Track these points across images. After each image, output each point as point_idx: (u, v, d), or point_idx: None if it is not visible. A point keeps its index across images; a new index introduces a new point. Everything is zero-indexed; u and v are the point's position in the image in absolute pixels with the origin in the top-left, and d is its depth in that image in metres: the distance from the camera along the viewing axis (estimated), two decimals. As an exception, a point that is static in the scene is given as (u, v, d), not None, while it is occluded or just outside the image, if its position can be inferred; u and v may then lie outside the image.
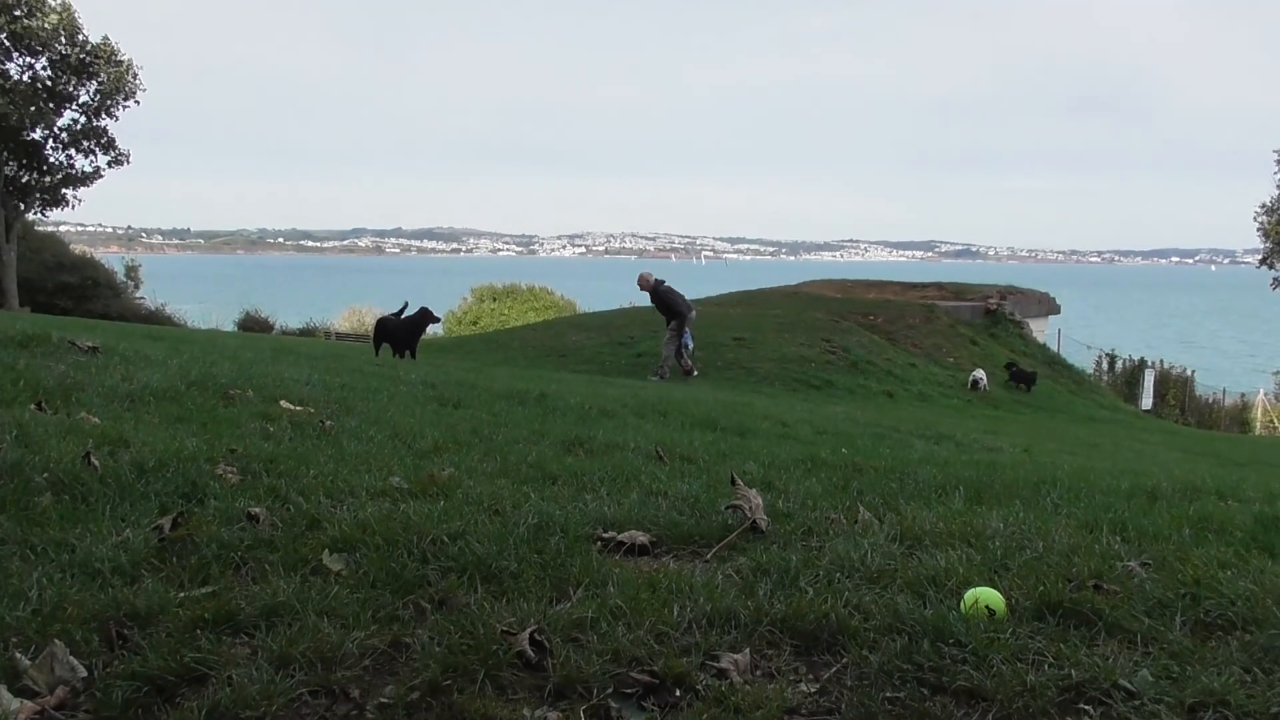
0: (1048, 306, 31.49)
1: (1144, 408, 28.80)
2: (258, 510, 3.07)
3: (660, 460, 4.78)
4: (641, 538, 3.16)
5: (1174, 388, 31.36)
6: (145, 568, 2.64)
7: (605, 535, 3.14)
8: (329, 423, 4.97)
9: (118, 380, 5.33)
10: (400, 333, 15.02)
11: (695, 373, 17.60)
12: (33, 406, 4.53)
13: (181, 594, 2.48)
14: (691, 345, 17.81)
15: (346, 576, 2.61)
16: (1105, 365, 32.02)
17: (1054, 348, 29.15)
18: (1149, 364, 31.89)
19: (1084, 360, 30.58)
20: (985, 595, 2.46)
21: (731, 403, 11.62)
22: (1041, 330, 29.78)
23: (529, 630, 2.25)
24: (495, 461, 4.31)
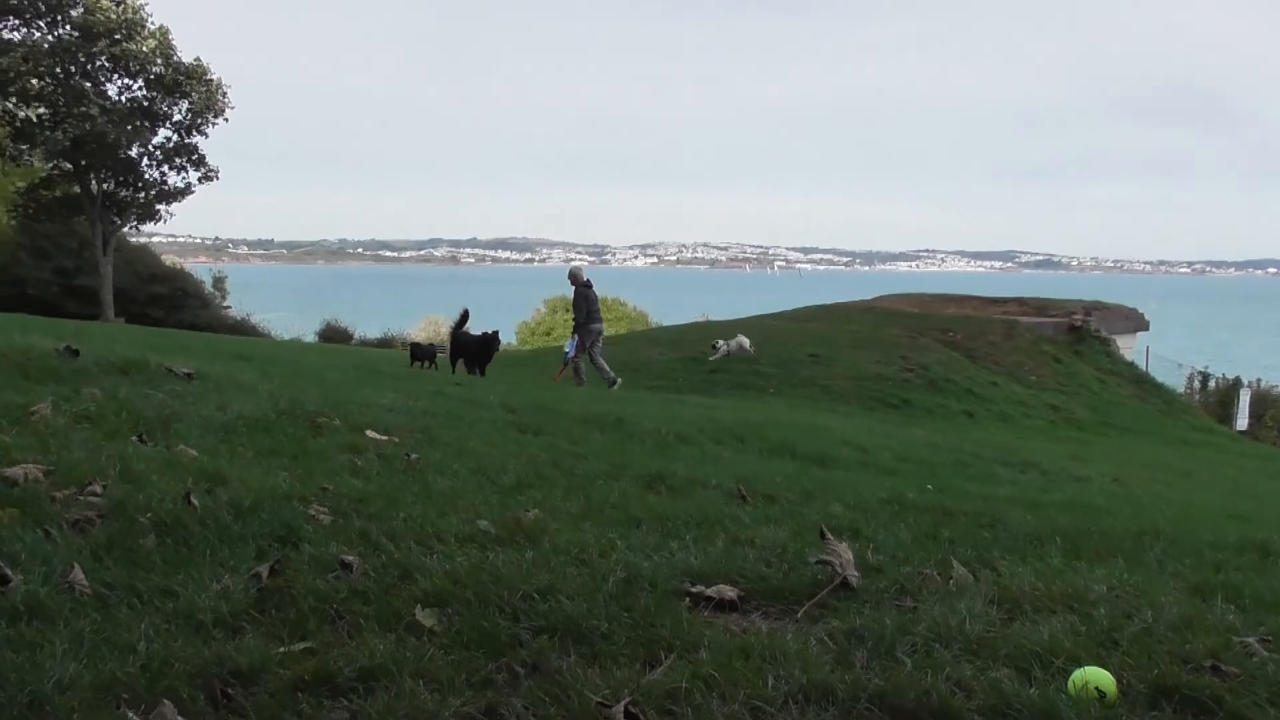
0: (1135, 323, 30.49)
1: (1239, 429, 27.66)
2: (351, 558, 3.11)
3: (743, 500, 4.73)
4: (730, 592, 3.12)
5: (1272, 407, 30.03)
6: (245, 619, 2.69)
7: (693, 590, 3.11)
8: (414, 456, 5.03)
9: (212, 410, 5.48)
10: (475, 349, 15.33)
11: (557, 379, 16.34)
12: (134, 438, 4.69)
13: (281, 649, 2.52)
14: (570, 354, 16.65)
15: (440, 634, 2.63)
16: (1197, 384, 30.83)
17: (1142, 365, 28.20)
18: (1245, 382, 30.62)
19: (1175, 379, 29.50)
20: (1095, 676, 2.36)
21: (808, 425, 11.49)
22: (1129, 347, 28.83)
23: (623, 702, 2.23)
24: (578, 500, 4.31)
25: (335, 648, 2.52)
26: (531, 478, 4.84)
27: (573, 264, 17.29)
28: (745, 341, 20.86)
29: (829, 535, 3.40)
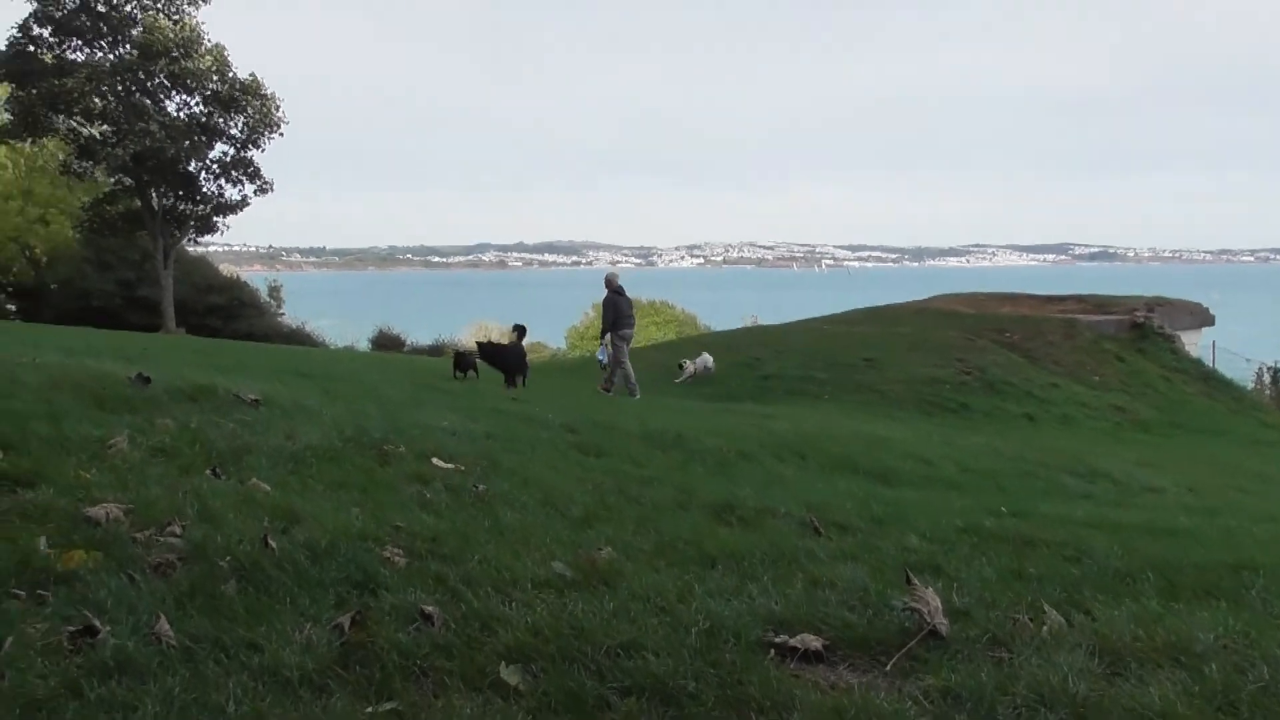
0: (1200, 318, 29.67)
1: (1312, 426, 26.74)
2: (431, 609, 3.09)
3: (816, 532, 4.64)
4: (814, 643, 3.04)
5: (1347, 403, 28.97)
6: (330, 676, 2.67)
7: (777, 640, 3.04)
8: (481, 486, 5.02)
9: (281, 439, 5.53)
10: (514, 359, 15.32)
11: (609, 392, 16.04)
12: (208, 472, 4.74)
13: (369, 709, 2.50)
14: (603, 359, 16.54)
15: (526, 695, 2.59)
16: (1267, 379, 29.85)
17: (1208, 362, 27.41)
18: (1317, 377, 29.58)
19: (1243, 374, 28.59)
20: (1215, 748, 2.24)
21: (868, 436, 11.33)
22: (1194, 343, 28.06)
23: (721, 776, 2.17)
24: (650, 536, 4.26)
25: (422, 710, 2.50)
26: (599, 508, 4.80)
27: (611, 268, 17.30)
28: (709, 361, 20.21)
29: (914, 580, 3.30)
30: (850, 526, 4.82)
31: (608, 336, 16.05)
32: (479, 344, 15.99)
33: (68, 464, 4.55)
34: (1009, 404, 19.25)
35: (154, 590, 3.24)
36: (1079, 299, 29.65)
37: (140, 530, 3.79)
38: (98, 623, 2.95)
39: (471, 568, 3.54)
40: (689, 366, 19.92)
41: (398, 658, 2.76)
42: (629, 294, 16.41)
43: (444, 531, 4.00)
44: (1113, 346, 24.73)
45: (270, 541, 3.65)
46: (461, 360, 15.76)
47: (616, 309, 15.93)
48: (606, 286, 16.29)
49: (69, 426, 5.23)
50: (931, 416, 17.45)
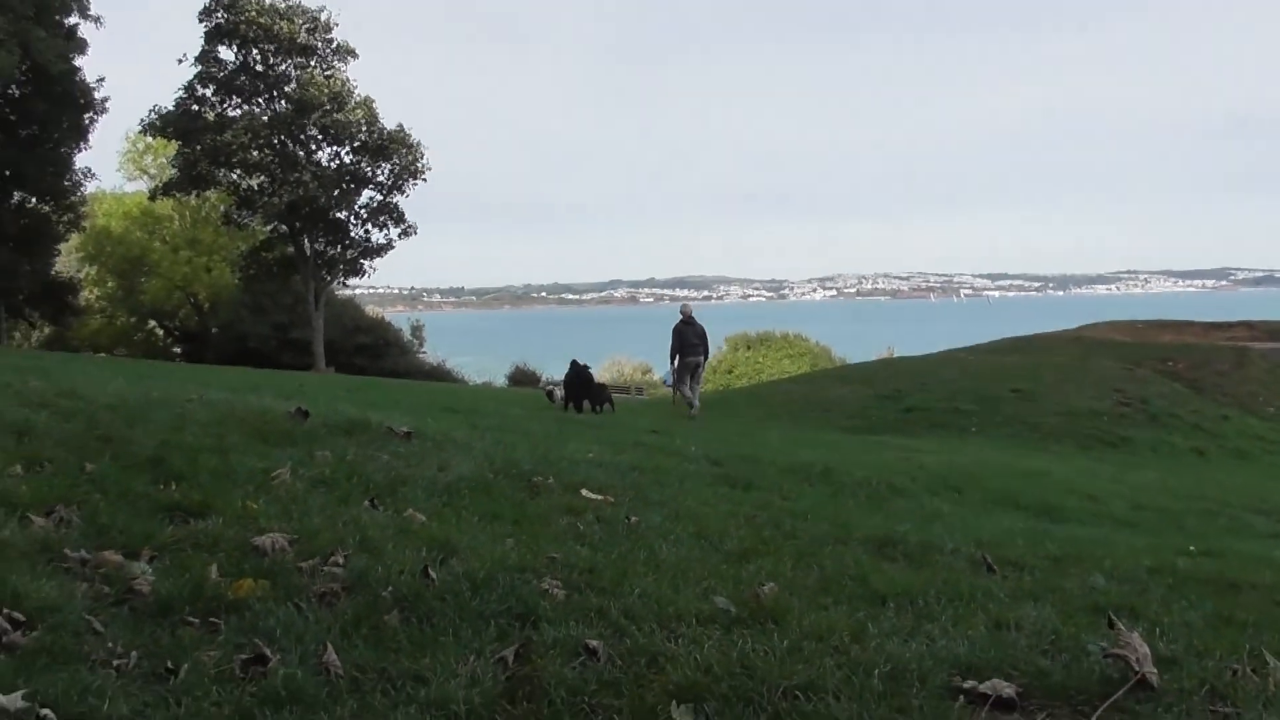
0: (1389, 344, 27.20)
1: None
2: (595, 644, 2.99)
3: (989, 569, 4.34)
4: (1007, 689, 2.79)
5: None
6: (499, 712, 2.60)
7: (965, 685, 2.80)
8: (634, 518, 4.93)
9: (434, 471, 5.59)
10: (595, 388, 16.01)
11: (692, 413, 16.86)
12: (366, 503, 4.81)
13: (539, 749, 2.41)
14: (669, 382, 18.33)
15: (701, 738, 2.45)
16: None
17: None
18: None
19: None
20: None
21: (1025, 471, 10.75)
22: (1383, 372, 25.69)
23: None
24: (812, 571, 4.07)
25: (594, 750, 2.39)
26: (755, 542, 4.63)
27: (684, 303, 18.14)
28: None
29: (1119, 624, 3.01)
30: (1026, 565, 4.49)
31: (675, 360, 17.24)
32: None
33: (235, 495, 4.69)
34: (1175, 437, 18.03)
35: (320, 620, 3.25)
36: (1249, 325, 27.70)
37: (304, 560, 3.84)
38: (268, 651, 2.97)
39: (631, 601, 3.43)
40: (559, 394, 17.63)
41: (565, 694, 2.67)
42: (772, 329, 17.21)
43: (600, 564, 3.91)
44: (1289, 375, 22.91)
45: (430, 572, 3.64)
46: (597, 393, 15.99)
47: (681, 337, 17.10)
48: (683, 315, 17.44)
49: (235, 459, 5.41)
50: (1089, 450, 16.50)
